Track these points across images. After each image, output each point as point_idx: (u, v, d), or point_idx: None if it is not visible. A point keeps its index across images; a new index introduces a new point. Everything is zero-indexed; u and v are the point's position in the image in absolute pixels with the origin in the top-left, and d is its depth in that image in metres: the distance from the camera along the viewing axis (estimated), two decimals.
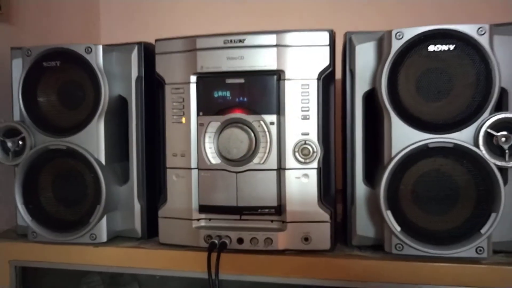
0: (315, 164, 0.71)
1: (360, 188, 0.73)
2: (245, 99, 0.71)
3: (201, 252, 0.71)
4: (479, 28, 0.64)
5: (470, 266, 0.67)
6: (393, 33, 0.66)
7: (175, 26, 1.30)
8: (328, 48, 0.70)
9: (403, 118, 0.67)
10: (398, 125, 0.67)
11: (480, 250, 0.66)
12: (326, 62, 0.71)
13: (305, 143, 0.71)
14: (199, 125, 0.73)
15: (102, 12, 1.36)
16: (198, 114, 0.73)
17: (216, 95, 0.72)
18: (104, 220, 0.78)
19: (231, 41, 0.71)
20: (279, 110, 0.71)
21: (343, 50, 0.75)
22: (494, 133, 0.65)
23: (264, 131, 0.71)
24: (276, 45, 0.70)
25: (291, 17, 1.24)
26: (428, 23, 0.66)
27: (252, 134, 0.71)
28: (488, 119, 0.65)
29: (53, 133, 0.78)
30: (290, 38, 0.70)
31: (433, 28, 0.65)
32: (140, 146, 0.80)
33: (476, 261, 0.67)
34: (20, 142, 0.79)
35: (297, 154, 0.71)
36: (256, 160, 0.72)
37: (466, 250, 0.66)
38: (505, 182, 0.68)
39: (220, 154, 0.72)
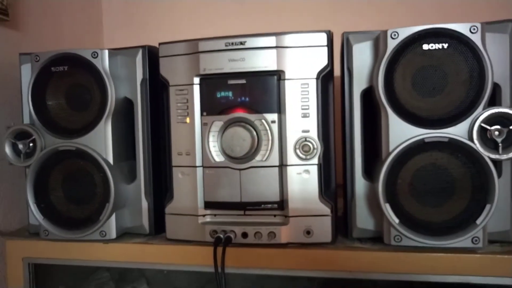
0: (315, 160, 0.72)
1: (360, 182, 0.74)
2: (247, 99, 0.73)
3: (207, 246, 0.73)
4: (471, 27, 0.65)
5: (466, 255, 0.68)
6: (389, 33, 0.67)
7: (175, 28, 1.31)
8: (326, 48, 0.72)
9: (400, 115, 0.68)
10: (395, 121, 0.68)
11: (476, 240, 0.67)
12: (324, 62, 0.72)
13: (306, 140, 0.72)
14: (203, 124, 0.75)
15: (105, 15, 1.37)
16: (202, 114, 0.75)
17: (219, 96, 0.74)
18: (113, 217, 0.79)
19: (232, 43, 0.72)
20: (280, 109, 0.72)
21: (341, 50, 0.77)
22: (488, 127, 0.66)
23: (266, 129, 0.73)
24: (276, 47, 0.71)
25: (290, 17, 1.24)
26: (426, 23, 0.67)
27: (254, 133, 0.73)
28: (482, 114, 0.66)
29: (62, 134, 0.79)
30: (289, 39, 0.72)
31: (426, 28, 0.66)
32: (146, 146, 0.81)
33: (472, 250, 0.68)
34: (31, 144, 0.80)
35: (298, 151, 0.72)
36: (258, 157, 0.73)
37: (462, 241, 0.67)
38: (499, 175, 0.68)
39: (224, 152, 0.74)
